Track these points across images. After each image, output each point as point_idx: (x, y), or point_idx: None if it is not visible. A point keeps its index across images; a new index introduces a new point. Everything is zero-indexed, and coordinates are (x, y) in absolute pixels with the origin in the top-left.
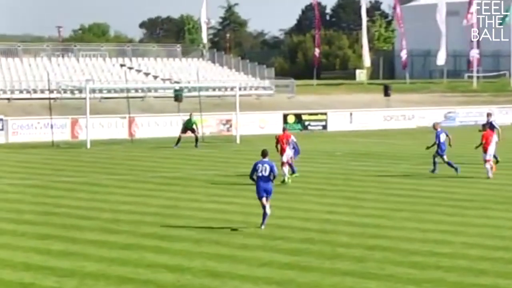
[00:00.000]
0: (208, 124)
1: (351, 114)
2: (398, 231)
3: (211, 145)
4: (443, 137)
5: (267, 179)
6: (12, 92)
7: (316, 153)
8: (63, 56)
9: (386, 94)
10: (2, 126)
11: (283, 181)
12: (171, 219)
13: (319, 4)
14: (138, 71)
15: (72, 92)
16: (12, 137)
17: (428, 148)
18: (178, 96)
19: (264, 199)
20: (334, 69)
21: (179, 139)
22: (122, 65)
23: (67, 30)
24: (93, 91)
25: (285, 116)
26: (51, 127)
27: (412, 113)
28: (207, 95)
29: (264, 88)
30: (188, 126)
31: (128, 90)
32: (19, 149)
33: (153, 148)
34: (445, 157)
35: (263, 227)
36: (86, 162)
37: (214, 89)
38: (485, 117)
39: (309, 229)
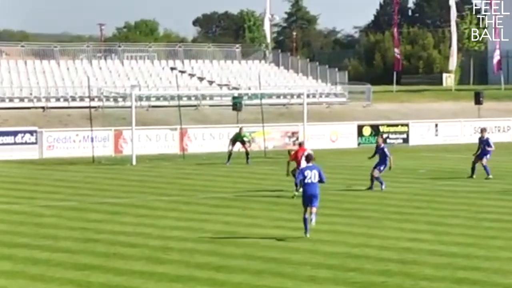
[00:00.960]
0: (271, 137)
1: (436, 125)
2: (491, 262)
3: (274, 161)
4: None
5: (315, 185)
6: (48, 100)
7: (395, 171)
8: (105, 58)
9: (478, 101)
10: (36, 139)
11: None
12: (228, 247)
13: None
14: (191, 75)
15: (115, 99)
16: (47, 152)
17: None
18: (236, 105)
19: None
20: (417, 72)
21: (230, 155)
22: (172, 69)
23: (110, 28)
24: (139, 98)
25: (359, 128)
26: (92, 140)
27: (508, 124)
28: (270, 103)
29: (336, 95)
30: (238, 138)
31: (179, 98)
32: (55, 166)
33: (208, 165)
34: None
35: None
36: (132, 180)
37: (278, 96)
38: None
39: (387, 259)
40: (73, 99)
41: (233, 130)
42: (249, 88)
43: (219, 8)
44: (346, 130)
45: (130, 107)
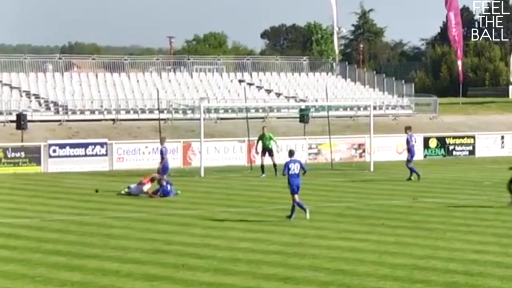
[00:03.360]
0: (338, 149)
1: (502, 137)
2: None
3: (341, 173)
4: None
5: (297, 175)
6: (118, 112)
7: (461, 183)
8: (174, 71)
9: None
10: (106, 151)
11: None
12: (295, 259)
13: (466, 9)
14: (259, 87)
15: (184, 112)
16: (117, 164)
17: None
18: (304, 117)
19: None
20: (484, 85)
21: (262, 166)
22: (241, 81)
23: (180, 41)
24: (208, 110)
25: (426, 140)
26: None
27: None
28: (337, 115)
29: (403, 107)
30: (266, 146)
31: (247, 110)
32: (125, 178)
33: (275, 177)
34: None
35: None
36: (200, 192)
37: (345, 109)
38: None
39: (453, 271)
40: (143, 111)
41: (300, 142)
42: (316, 100)
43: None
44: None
45: (198, 119)
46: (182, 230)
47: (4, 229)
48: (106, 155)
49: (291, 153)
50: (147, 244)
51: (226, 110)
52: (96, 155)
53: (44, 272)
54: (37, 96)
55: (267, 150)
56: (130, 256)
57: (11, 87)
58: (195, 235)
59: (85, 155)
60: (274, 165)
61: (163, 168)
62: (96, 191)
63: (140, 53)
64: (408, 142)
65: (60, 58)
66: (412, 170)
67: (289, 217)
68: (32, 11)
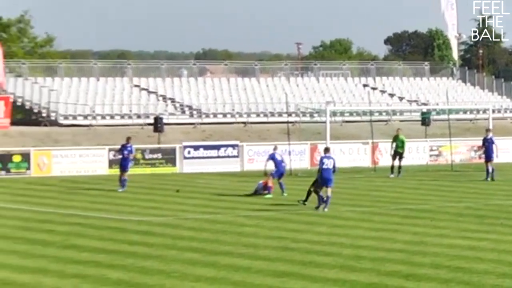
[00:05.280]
0: (458, 151)
1: None
2: None
3: (460, 175)
4: None
5: (330, 170)
6: (248, 115)
7: None
8: (302, 76)
9: None
10: (238, 152)
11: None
12: (417, 257)
13: None
14: (382, 91)
15: (311, 115)
16: (247, 165)
17: None
18: (425, 120)
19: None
20: None
21: (392, 167)
22: (365, 85)
23: (307, 47)
24: (333, 114)
25: None
26: (289, 153)
27: None
28: (457, 118)
29: None
30: (398, 148)
31: (371, 113)
32: (255, 178)
33: (397, 178)
34: None
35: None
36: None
37: (465, 112)
38: None
39: None
40: (272, 114)
41: (421, 144)
42: (437, 104)
43: (409, 27)
44: None
45: (324, 122)
46: (309, 228)
47: (143, 227)
48: (237, 156)
49: (326, 150)
50: (276, 242)
51: (351, 113)
52: (228, 156)
53: (180, 268)
54: (172, 100)
55: (398, 153)
56: (260, 253)
57: (149, 92)
58: (321, 233)
59: (218, 157)
60: (399, 166)
61: (277, 171)
62: (177, 191)
63: (270, 59)
64: None
65: (194, 64)
66: None
67: (323, 208)
68: (169, 19)
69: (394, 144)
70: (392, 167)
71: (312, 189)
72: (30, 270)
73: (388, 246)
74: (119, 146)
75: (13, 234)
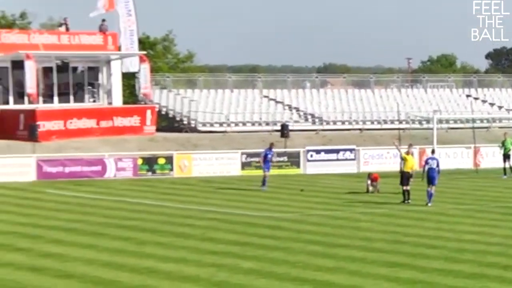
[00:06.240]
0: None
1: None
2: None
3: None
4: None
5: (434, 170)
6: (364, 122)
7: None
8: (411, 87)
9: None
10: (355, 156)
11: None
12: None
13: None
14: (484, 101)
15: (420, 122)
16: (363, 167)
17: None
18: None
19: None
20: None
21: (505, 169)
22: (468, 96)
23: (416, 62)
24: (440, 121)
25: None
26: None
27: None
28: None
29: None
30: (506, 150)
31: (473, 121)
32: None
33: (498, 178)
34: None
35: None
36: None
37: None
38: None
39: None
40: (385, 122)
41: None
42: None
43: (507, 44)
44: None
45: (432, 129)
46: (418, 224)
47: (272, 222)
48: (354, 159)
49: (432, 152)
50: (388, 236)
51: (455, 121)
52: (346, 159)
53: (303, 259)
54: (297, 109)
55: (506, 154)
56: (374, 246)
57: (276, 102)
58: (429, 228)
59: (337, 160)
60: (510, 167)
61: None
62: (302, 190)
63: (383, 72)
64: None
65: (316, 77)
66: None
67: (427, 203)
68: (295, 37)
69: (503, 148)
70: (504, 169)
71: (402, 187)
72: (173, 260)
73: (488, 240)
74: (251, 150)
75: (158, 228)
